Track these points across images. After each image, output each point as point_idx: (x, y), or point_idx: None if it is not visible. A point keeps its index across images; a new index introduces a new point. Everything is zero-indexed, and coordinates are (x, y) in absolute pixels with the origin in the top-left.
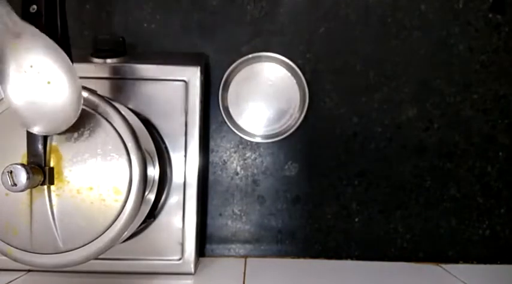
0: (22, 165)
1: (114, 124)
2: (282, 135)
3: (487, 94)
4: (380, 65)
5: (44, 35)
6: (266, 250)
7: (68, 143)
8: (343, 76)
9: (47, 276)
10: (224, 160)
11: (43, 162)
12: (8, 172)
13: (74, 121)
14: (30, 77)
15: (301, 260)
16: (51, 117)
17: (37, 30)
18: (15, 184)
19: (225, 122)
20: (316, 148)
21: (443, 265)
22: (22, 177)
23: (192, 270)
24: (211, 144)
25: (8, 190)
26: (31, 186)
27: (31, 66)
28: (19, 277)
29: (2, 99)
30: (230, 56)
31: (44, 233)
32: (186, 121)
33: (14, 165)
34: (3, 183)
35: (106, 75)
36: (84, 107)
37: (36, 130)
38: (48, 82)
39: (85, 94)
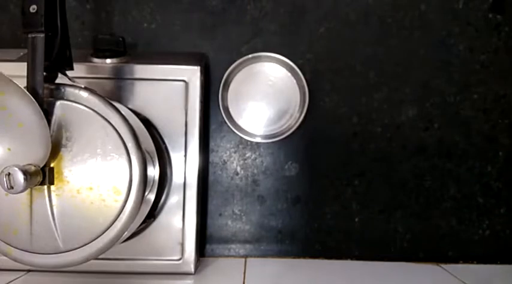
0: (19, 166)
1: (114, 124)
2: (282, 135)
3: (487, 94)
4: (380, 65)
5: (14, 82)
6: (266, 250)
7: (68, 143)
8: (343, 76)
9: (47, 276)
10: (224, 160)
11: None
12: (5, 174)
13: (45, 160)
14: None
15: (301, 260)
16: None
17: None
18: (11, 187)
19: (225, 122)
20: (316, 148)
21: (443, 265)
22: (19, 179)
23: (192, 270)
24: (211, 144)
25: (6, 192)
26: (29, 187)
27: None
28: (19, 277)
29: None
30: (230, 56)
31: (44, 234)
32: (186, 121)
33: (11, 167)
34: (1, 185)
35: (106, 75)
36: (84, 107)
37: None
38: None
39: (85, 94)
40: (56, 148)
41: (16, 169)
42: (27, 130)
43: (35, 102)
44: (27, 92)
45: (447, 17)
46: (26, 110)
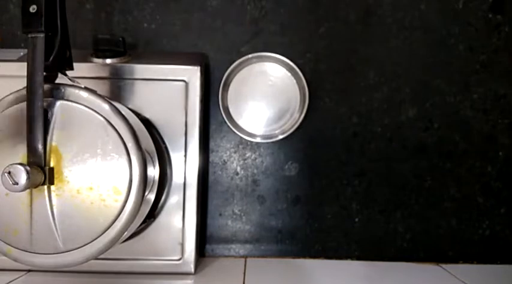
0: (22, 165)
1: (114, 124)
2: (282, 135)
3: (487, 94)
4: (380, 65)
5: None
6: (266, 250)
7: (68, 143)
8: (343, 76)
9: (47, 276)
10: (224, 160)
11: (43, 162)
12: (7, 172)
13: None
14: None
15: (301, 260)
16: None
17: None
18: (15, 184)
19: (225, 122)
20: (316, 148)
21: (443, 265)
22: (22, 177)
23: (192, 270)
24: (211, 144)
25: (8, 190)
26: (31, 186)
27: None
28: (19, 277)
29: (3, 99)
30: (230, 56)
31: (44, 234)
32: (186, 121)
33: (14, 165)
34: (3, 183)
35: (106, 75)
36: (84, 107)
37: None
38: None
39: (85, 94)
40: (55, 148)
41: (18, 166)
42: None
43: None
44: None
45: (447, 17)
46: None
